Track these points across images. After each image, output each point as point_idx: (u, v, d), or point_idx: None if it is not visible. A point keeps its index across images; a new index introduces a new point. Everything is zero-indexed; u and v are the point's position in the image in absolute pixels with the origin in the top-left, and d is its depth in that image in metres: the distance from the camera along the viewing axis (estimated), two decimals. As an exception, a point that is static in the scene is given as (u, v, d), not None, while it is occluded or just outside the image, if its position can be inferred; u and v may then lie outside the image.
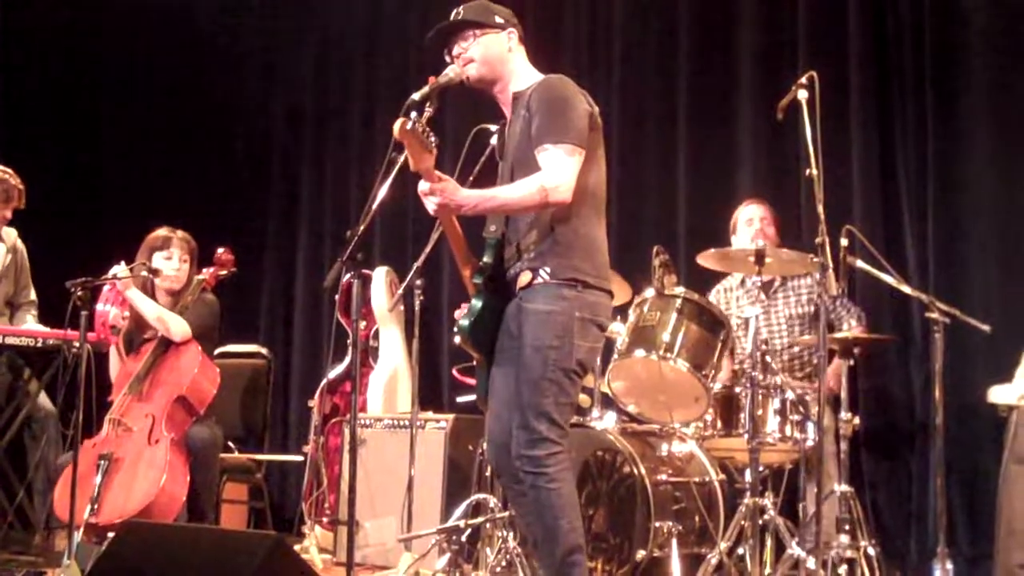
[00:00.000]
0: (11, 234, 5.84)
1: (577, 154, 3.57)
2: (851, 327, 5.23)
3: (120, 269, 5.03)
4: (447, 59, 3.79)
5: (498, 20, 3.75)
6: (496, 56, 3.75)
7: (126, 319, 5.16)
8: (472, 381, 4.01)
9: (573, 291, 3.57)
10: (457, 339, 3.71)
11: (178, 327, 5.03)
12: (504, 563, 4.48)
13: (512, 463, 3.57)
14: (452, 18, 3.78)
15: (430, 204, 3.50)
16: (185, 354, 5.04)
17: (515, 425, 3.55)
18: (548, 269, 3.57)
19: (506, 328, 3.63)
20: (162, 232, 5.21)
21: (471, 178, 4.00)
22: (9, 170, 5.70)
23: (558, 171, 3.53)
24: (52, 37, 7.53)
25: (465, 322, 3.65)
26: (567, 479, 3.57)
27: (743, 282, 5.42)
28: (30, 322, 5.75)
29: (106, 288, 5.11)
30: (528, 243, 3.62)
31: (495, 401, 3.70)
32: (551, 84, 3.67)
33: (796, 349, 5.27)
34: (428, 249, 4.54)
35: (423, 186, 3.50)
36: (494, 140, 3.92)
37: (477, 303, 3.65)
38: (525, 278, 3.60)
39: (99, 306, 5.14)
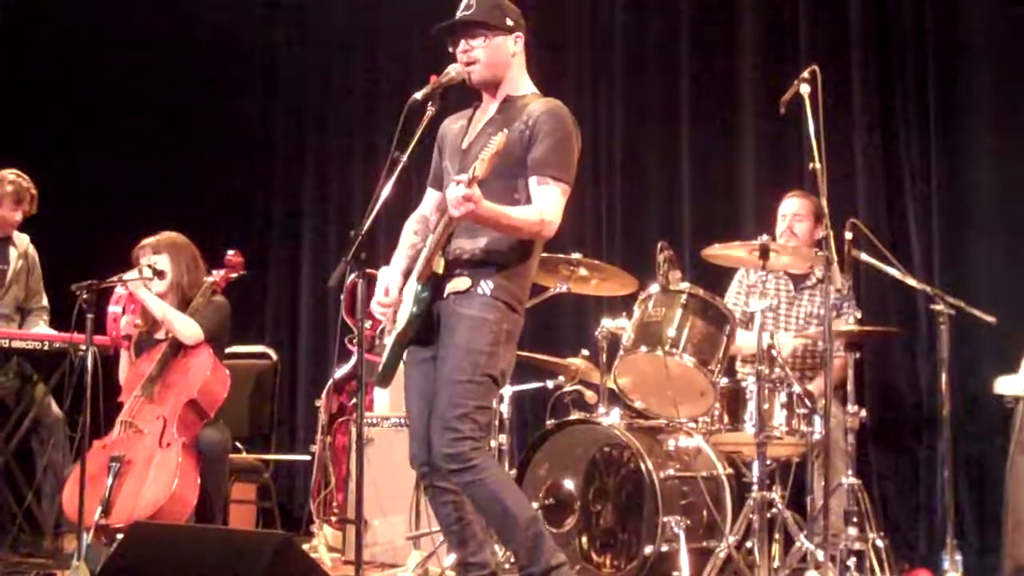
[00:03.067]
0: (23, 239, 5.87)
1: (567, 195, 3.71)
2: (853, 322, 5.21)
3: (130, 274, 5.04)
4: (450, 50, 3.79)
5: (508, 23, 3.76)
6: (501, 61, 3.77)
7: (138, 327, 5.18)
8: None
9: (505, 307, 3.67)
10: (403, 323, 3.72)
11: (187, 329, 5.04)
12: (512, 559, 4.48)
13: (432, 458, 3.64)
14: (462, 11, 3.76)
15: (461, 209, 3.45)
16: (196, 357, 5.06)
17: (436, 425, 3.61)
18: (490, 284, 3.66)
19: (435, 328, 3.70)
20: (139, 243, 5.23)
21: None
22: (24, 175, 5.74)
23: (555, 209, 3.65)
24: (52, 40, 7.53)
25: (416, 309, 3.69)
26: (492, 464, 3.69)
27: None
28: (41, 327, 5.77)
29: (119, 290, 5.12)
30: (478, 250, 3.68)
31: (417, 396, 3.77)
32: (562, 116, 3.72)
33: (807, 343, 5.24)
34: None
35: (463, 191, 3.41)
36: (456, 125, 3.89)
37: (425, 291, 3.69)
38: (463, 283, 3.66)
39: (111, 307, 5.15)
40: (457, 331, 3.64)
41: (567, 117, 3.74)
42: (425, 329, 3.72)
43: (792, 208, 5.32)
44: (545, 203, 3.64)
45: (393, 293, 3.81)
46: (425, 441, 3.69)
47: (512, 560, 4.42)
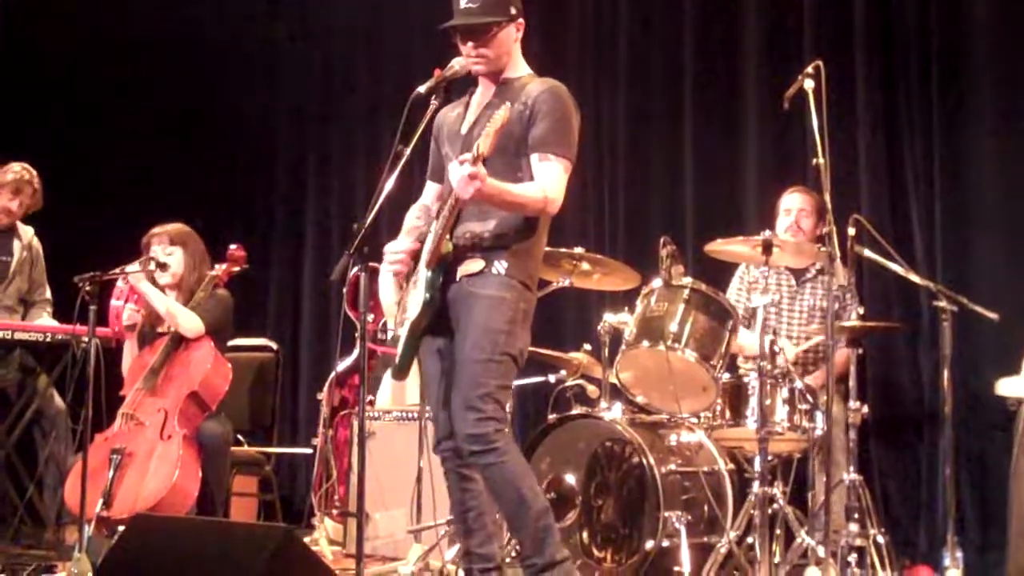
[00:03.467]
0: (27, 232, 5.90)
1: (569, 172, 3.74)
2: (855, 318, 5.20)
3: (130, 266, 5.05)
4: (455, 43, 3.79)
5: (512, 11, 3.78)
6: (505, 49, 3.81)
7: (141, 315, 5.18)
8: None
9: (521, 286, 3.71)
10: (417, 310, 3.72)
11: (188, 322, 5.05)
12: (513, 553, 4.49)
13: (455, 440, 3.67)
14: (467, 3, 3.73)
15: (468, 188, 3.45)
16: (198, 350, 5.06)
17: (458, 405, 3.62)
18: (505, 264, 3.68)
19: (448, 312, 3.72)
20: (149, 232, 5.24)
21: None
22: (31, 170, 5.76)
23: (558, 185, 3.68)
24: (54, 37, 7.53)
25: (429, 295, 3.70)
26: (514, 449, 3.69)
27: None
28: (44, 319, 5.78)
29: (120, 284, 5.13)
30: (488, 232, 3.70)
31: (436, 385, 3.80)
32: (562, 95, 3.75)
33: (809, 341, 5.23)
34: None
35: (468, 169, 3.42)
36: (453, 114, 3.90)
37: (437, 277, 3.71)
38: (476, 265, 3.69)
39: (113, 301, 5.16)
40: (474, 310, 3.65)
41: (567, 96, 3.76)
42: (437, 316, 3.73)
43: (797, 203, 5.31)
44: (547, 179, 3.66)
45: (399, 251, 3.81)
46: (446, 426, 3.72)
47: (515, 552, 4.44)
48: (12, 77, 7.41)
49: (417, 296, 3.74)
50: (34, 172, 5.79)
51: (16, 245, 5.83)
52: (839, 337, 4.71)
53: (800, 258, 5.05)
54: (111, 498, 4.67)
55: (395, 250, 3.85)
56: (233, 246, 5.36)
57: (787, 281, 5.34)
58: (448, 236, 3.69)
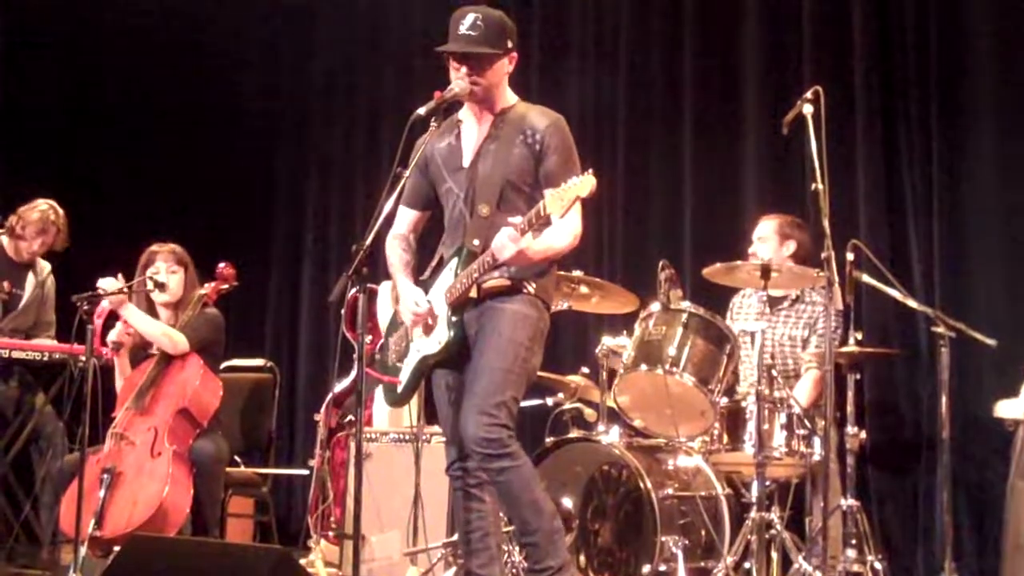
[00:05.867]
0: (45, 268, 5.91)
1: None
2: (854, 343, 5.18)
3: (111, 282, 5.01)
4: (449, 64, 3.81)
5: (508, 45, 3.82)
6: (499, 80, 3.86)
7: (130, 335, 5.16)
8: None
9: (543, 306, 3.83)
10: (437, 347, 3.79)
11: (182, 343, 5.06)
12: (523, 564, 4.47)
13: (467, 445, 3.70)
14: (467, 29, 3.76)
15: (511, 249, 3.54)
16: (187, 367, 5.07)
17: (471, 409, 3.66)
18: (534, 285, 3.78)
19: (467, 331, 3.79)
20: (150, 248, 5.24)
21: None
22: (58, 208, 5.76)
23: (579, 217, 3.78)
24: (52, 50, 7.55)
25: (453, 333, 3.77)
26: (525, 455, 3.74)
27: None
28: (44, 340, 5.77)
29: (102, 306, 5.09)
30: (517, 266, 3.75)
31: (446, 407, 3.86)
32: (564, 125, 3.86)
33: (790, 363, 5.22)
34: (434, 263, 4.53)
35: (522, 244, 3.55)
36: (443, 144, 3.91)
37: (460, 315, 3.79)
38: (503, 285, 3.76)
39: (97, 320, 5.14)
40: (500, 322, 3.72)
41: (565, 124, 3.87)
42: (456, 351, 3.80)
43: (757, 232, 5.30)
44: (570, 216, 3.70)
45: (424, 304, 3.84)
46: (458, 444, 3.77)
47: (518, 568, 4.42)
48: (12, 83, 7.43)
49: (436, 333, 3.80)
50: (60, 211, 5.77)
51: (30, 281, 5.82)
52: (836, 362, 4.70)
53: (797, 283, 5.05)
54: (103, 518, 4.67)
55: (420, 306, 3.84)
56: (222, 264, 5.35)
57: (763, 308, 5.31)
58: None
